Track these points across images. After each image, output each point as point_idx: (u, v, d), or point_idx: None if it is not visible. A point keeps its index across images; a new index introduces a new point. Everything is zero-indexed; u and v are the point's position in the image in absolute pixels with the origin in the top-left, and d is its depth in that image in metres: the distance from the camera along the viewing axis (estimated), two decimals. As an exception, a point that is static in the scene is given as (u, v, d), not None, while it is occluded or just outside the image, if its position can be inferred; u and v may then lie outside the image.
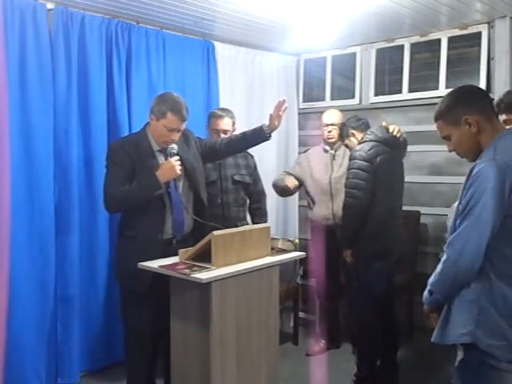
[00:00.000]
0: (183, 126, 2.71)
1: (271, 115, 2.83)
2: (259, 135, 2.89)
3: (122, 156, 2.66)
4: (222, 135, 3.34)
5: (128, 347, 2.83)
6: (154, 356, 2.83)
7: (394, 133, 3.16)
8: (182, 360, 2.51)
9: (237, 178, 3.46)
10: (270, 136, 2.90)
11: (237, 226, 3.19)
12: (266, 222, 3.66)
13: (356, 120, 3.34)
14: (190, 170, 2.80)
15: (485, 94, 1.90)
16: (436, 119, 1.88)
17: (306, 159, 3.82)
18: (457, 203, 1.79)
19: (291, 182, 3.72)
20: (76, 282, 3.21)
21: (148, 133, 2.74)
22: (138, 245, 2.65)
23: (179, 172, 2.66)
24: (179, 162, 2.66)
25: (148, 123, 2.77)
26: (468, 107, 1.79)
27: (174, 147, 2.70)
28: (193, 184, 2.83)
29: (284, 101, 2.82)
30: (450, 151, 1.89)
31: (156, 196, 2.64)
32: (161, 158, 2.72)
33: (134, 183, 2.63)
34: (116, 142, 2.90)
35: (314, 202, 3.73)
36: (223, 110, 3.53)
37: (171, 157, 2.67)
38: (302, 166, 3.82)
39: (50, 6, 3.06)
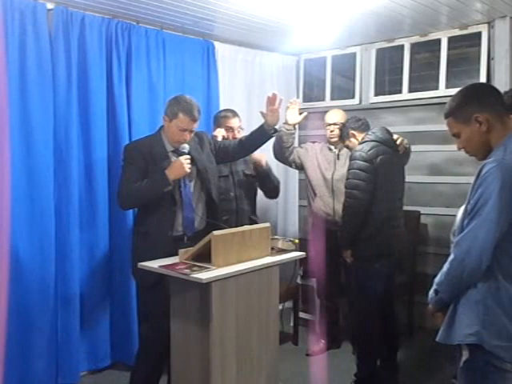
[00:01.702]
0: (195, 127, 2.78)
1: (262, 112, 2.90)
2: (262, 133, 2.96)
3: (136, 156, 2.76)
4: (236, 134, 3.39)
5: (142, 344, 2.86)
6: (164, 357, 2.81)
7: (397, 142, 3.17)
8: (182, 360, 2.51)
9: (248, 171, 3.50)
10: (273, 132, 2.97)
11: (250, 219, 3.35)
12: (278, 182, 3.68)
13: (356, 121, 3.33)
14: (202, 170, 2.87)
15: (496, 93, 1.86)
16: (446, 116, 1.86)
17: (314, 149, 3.80)
18: (465, 204, 1.78)
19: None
20: (76, 281, 3.20)
21: (162, 134, 2.84)
22: (149, 241, 2.73)
23: (188, 170, 2.72)
24: (189, 161, 2.72)
25: (162, 126, 2.86)
26: (478, 105, 1.78)
27: (185, 147, 2.78)
28: (205, 184, 2.89)
29: (274, 95, 2.87)
30: (459, 149, 1.87)
31: (166, 193, 2.71)
32: (174, 159, 2.79)
33: (145, 180, 2.72)
34: (131, 143, 3.06)
35: (315, 194, 3.73)
36: (230, 110, 3.55)
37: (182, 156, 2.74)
38: (308, 153, 3.79)
39: (49, 6, 3.06)
